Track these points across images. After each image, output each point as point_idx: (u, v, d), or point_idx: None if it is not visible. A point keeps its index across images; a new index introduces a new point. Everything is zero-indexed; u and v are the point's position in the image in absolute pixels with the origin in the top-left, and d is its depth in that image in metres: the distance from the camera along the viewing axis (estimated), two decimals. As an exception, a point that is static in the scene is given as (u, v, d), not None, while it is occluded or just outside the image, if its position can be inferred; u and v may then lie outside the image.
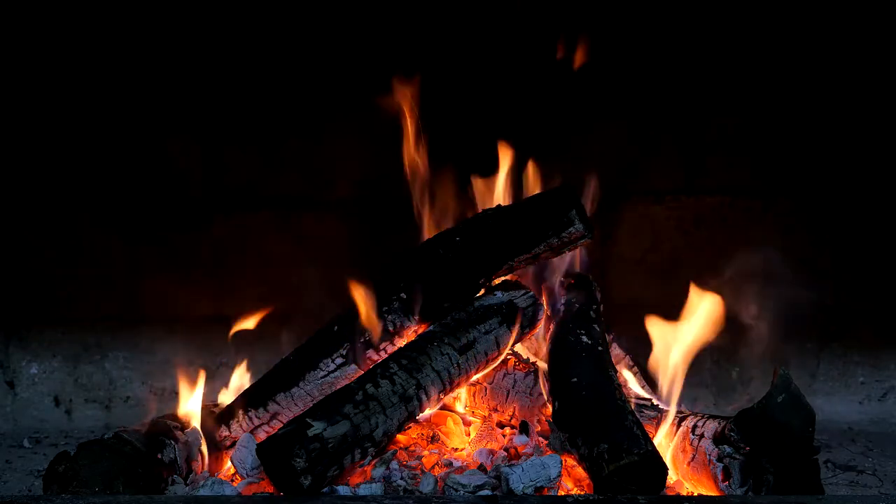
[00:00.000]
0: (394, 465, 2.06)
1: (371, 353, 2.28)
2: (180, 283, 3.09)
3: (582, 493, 2.00)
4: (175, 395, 2.78)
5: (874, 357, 3.17)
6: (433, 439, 2.25)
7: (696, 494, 2.03)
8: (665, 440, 2.13)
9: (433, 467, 2.11)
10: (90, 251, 3.10)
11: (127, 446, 2.02)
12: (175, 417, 2.26)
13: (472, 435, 2.29)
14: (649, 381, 2.43)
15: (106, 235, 3.10)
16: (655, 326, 2.35)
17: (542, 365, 2.31)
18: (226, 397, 2.42)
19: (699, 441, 2.05)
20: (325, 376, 2.26)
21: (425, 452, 2.17)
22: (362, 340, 2.27)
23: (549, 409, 2.18)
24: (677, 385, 2.26)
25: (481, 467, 2.07)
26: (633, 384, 2.46)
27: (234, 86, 3.05)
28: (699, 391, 3.15)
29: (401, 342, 2.29)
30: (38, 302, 3.12)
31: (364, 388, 2.03)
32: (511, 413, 2.33)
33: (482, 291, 2.34)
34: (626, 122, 3.08)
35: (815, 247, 3.12)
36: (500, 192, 2.54)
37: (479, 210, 2.50)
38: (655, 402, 2.30)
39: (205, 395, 2.42)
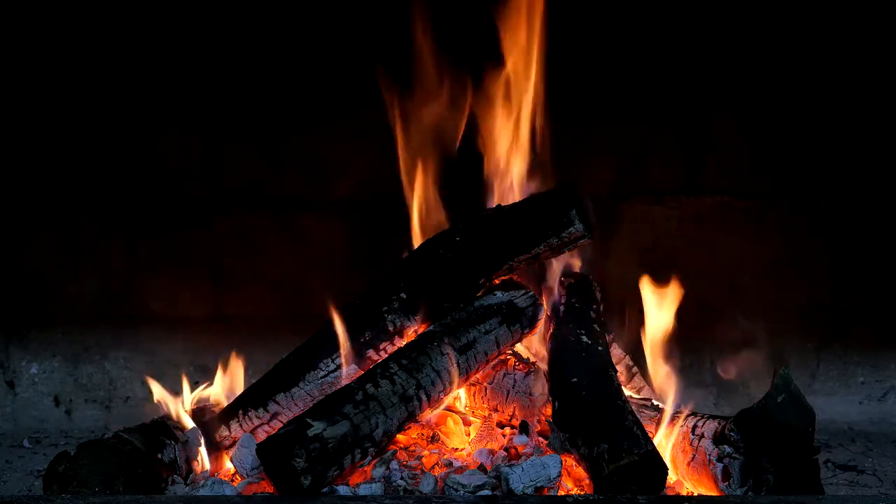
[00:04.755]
0: (394, 465, 2.06)
1: (371, 353, 2.28)
2: (180, 283, 3.09)
3: (582, 493, 1.99)
4: (175, 395, 2.79)
5: (874, 357, 3.17)
6: (433, 439, 2.25)
7: (696, 494, 2.03)
8: (665, 440, 2.13)
9: (433, 467, 2.11)
10: (90, 251, 3.10)
11: (127, 446, 2.02)
12: (175, 417, 2.26)
13: (472, 435, 2.29)
14: (649, 380, 2.44)
15: (106, 235, 3.10)
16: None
17: (542, 365, 2.31)
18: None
19: (699, 441, 2.05)
20: (325, 376, 2.26)
21: (425, 452, 2.17)
22: (362, 340, 2.27)
23: (549, 409, 2.18)
24: (673, 382, 2.27)
25: (481, 467, 2.07)
26: (632, 384, 2.46)
27: (235, 86, 3.06)
28: (699, 391, 3.15)
29: (401, 342, 2.29)
30: (39, 302, 3.12)
31: (364, 388, 2.03)
32: (511, 413, 2.33)
33: (482, 291, 2.33)
34: (626, 121, 3.09)
35: (816, 247, 3.12)
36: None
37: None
38: (655, 402, 2.30)
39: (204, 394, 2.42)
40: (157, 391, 2.30)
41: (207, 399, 2.37)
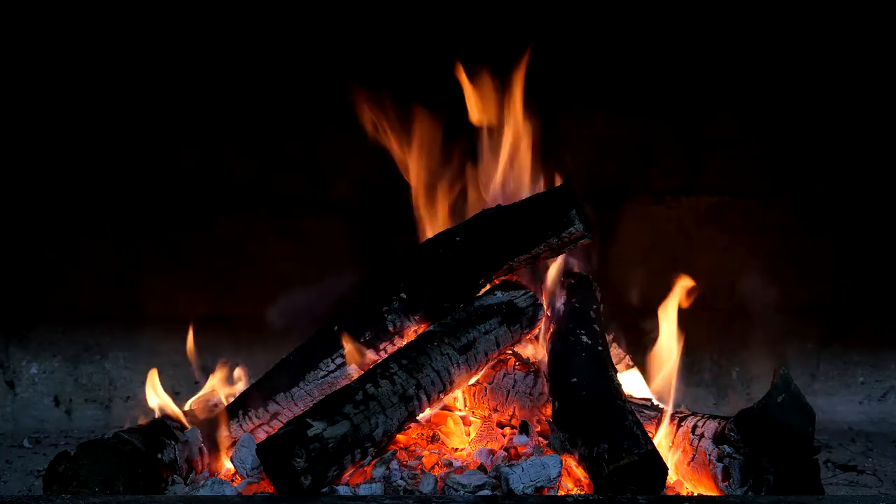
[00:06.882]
0: (394, 465, 2.06)
1: (371, 353, 2.28)
2: (180, 283, 3.09)
3: (582, 493, 1.99)
4: (175, 394, 2.79)
5: (874, 357, 3.17)
6: (433, 439, 2.25)
7: (696, 494, 2.03)
8: (665, 440, 2.13)
9: (433, 467, 2.11)
10: (90, 251, 3.10)
11: (127, 446, 2.02)
12: (175, 417, 2.26)
13: (472, 435, 2.29)
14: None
15: (106, 235, 3.10)
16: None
17: (542, 365, 2.31)
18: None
19: (699, 441, 2.05)
20: (325, 376, 2.26)
21: (425, 452, 2.17)
22: (363, 340, 2.28)
23: (549, 409, 2.18)
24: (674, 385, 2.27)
25: (481, 467, 2.07)
26: (633, 384, 2.46)
27: (234, 86, 3.05)
28: (699, 391, 3.15)
29: (401, 342, 2.29)
30: (38, 302, 3.12)
31: (364, 388, 2.03)
32: (511, 413, 2.33)
33: (482, 291, 2.34)
34: (626, 121, 3.09)
35: (816, 247, 3.12)
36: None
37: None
38: (655, 402, 2.30)
39: (204, 395, 2.42)
40: (154, 396, 2.29)
41: (208, 399, 2.37)
